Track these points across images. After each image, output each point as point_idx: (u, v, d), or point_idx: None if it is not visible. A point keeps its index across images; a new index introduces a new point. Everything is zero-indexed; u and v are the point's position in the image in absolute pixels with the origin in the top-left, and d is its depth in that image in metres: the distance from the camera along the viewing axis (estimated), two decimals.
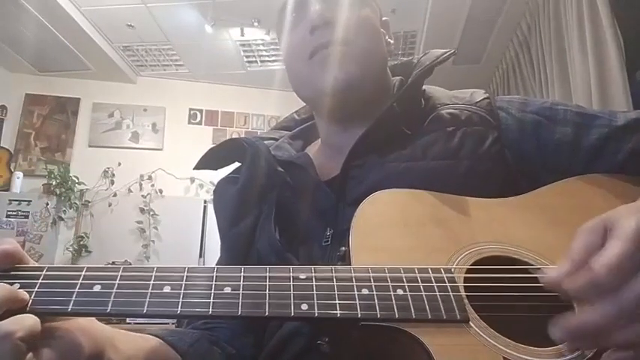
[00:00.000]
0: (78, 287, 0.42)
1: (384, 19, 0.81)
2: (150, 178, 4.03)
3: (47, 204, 3.72)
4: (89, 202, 3.89)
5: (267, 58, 3.92)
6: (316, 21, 0.71)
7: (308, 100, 0.81)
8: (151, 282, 0.43)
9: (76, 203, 3.84)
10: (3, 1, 3.01)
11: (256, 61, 3.97)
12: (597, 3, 2.23)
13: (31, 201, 3.72)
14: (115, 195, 3.93)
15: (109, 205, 3.90)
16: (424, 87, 0.77)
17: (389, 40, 0.81)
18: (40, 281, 0.42)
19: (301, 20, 0.74)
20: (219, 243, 0.79)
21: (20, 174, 3.82)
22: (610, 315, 0.37)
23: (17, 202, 3.69)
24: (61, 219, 3.78)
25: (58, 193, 3.74)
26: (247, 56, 3.89)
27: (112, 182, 3.99)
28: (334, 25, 0.71)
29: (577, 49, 2.38)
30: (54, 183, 3.75)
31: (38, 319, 0.39)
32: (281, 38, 0.81)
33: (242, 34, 3.53)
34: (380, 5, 0.81)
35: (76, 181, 3.85)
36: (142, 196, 3.96)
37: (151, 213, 3.92)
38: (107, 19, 3.37)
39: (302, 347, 0.59)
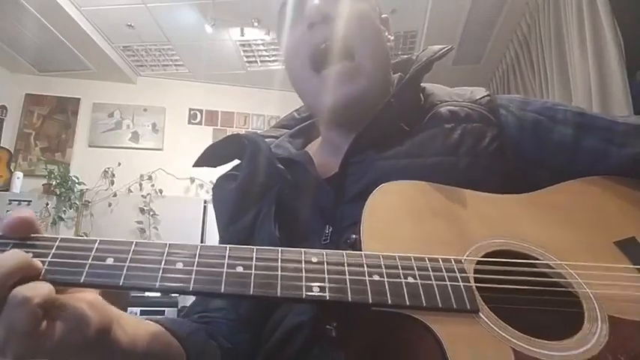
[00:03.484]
0: (91, 259, 0.42)
1: (383, 16, 0.80)
2: (150, 178, 4.02)
3: (47, 204, 3.71)
4: (89, 202, 3.89)
5: (267, 58, 3.92)
6: (314, 17, 0.71)
7: (310, 108, 0.80)
8: (164, 258, 0.43)
9: (76, 203, 3.83)
10: (3, 1, 3.01)
11: (256, 61, 3.97)
12: (597, 3, 2.23)
13: (31, 201, 3.70)
14: (115, 195, 3.92)
15: (109, 205, 3.90)
16: (424, 84, 0.77)
17: (389, 36, 0.80)
18: (52, 251, 0.41)
19: (299, 19, 0.74)
20: (218, 239, 0.79)
21: (20, 174, 3.80)
22: None
23: (17, 202, 3.67)
24: (61, 219, 3.76)
25: (58, 193, 3.74)
26: (247, 56, 3.89)
27: (112, 182, 3.98)
28: (332, 20, 0.71)
29: (577, 49, 2.38)
30: (54, 183, 3.75)
31: (53, 288, 0.39)
32: (281, 39, 0.80)
33: (242, 34, 3.53)
34: (379, 4, 0.81)
35: (76, 181, 3.85)
36: (142, 196, 3.95)
37: (151, 213, 3.91)
38: (107, 19, 3.37)
39: (307, 337, 0.59)
